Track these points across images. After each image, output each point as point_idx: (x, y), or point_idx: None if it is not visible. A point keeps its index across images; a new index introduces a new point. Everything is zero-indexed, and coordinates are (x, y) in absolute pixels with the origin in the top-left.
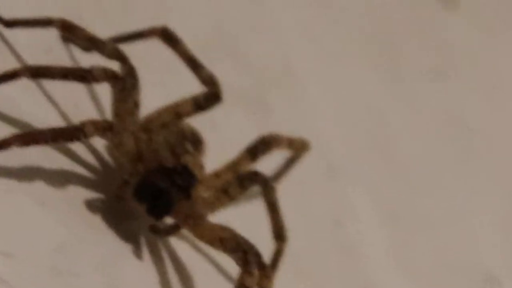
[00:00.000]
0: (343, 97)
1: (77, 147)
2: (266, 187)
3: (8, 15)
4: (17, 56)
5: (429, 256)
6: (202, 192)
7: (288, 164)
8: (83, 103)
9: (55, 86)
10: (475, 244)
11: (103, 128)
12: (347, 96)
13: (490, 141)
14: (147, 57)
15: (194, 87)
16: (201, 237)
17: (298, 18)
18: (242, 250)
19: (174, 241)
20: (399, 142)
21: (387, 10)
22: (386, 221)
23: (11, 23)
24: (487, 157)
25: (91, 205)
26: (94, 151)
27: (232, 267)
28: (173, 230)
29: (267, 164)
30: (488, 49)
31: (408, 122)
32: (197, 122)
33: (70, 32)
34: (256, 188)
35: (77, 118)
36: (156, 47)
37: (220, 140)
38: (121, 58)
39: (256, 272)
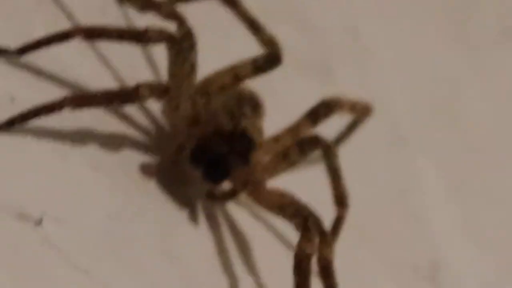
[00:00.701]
0: (411, 63)
1: (132, 110)
2: (328, 151)
3: None
4: (70, 17)
5: (497, 228)
6: (261, 157)
7: (351, 128)
8: (138, 65)
9: (109, 48)
10: None
11: (158, 91)
12: (416, 63)
13: None
14: (205, 18)
15: (253, 50)
16: (260, 202)
17: None
18: (302, 216)
19: (232, 207)
20: (469, 111)
21: None
22: (453, 192)
23: None
24: None
25: (146, 170)
26: (149, 115)
27: (292, 233)
28: (231, 195)
29: (329, 129)
30: None
31: (479, 91)
32: (257, 86)
33: None
34: (317, 153)
35: (132, 80)
36: (215, 8)
37: (281, 105)
38: (178, 18)
39: (316, 238)
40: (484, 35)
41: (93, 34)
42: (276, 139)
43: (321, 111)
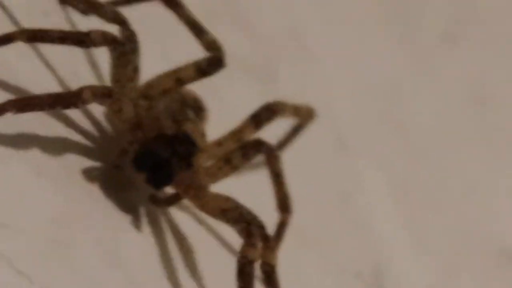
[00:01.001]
0: (354, 66)
1: (75, 114)
2: (271, 156)
3: None
4: (13, 19)
5: (441, 230)
6: (204, 161)
7: (294, 132)
8: (81, 69)
9: (52, 51)
10: (489, 217)
11: (101, 94)
12: (359, 65)
13: (507, 111)
14: (148, 21)
15: (196, 53)
16: (203, 207)
17: None
18: (245, 221)
19: (175, 212)
20: (412, 115)
21: None
22: (397, 195)
23: None
24: (504, 129)
25: (89, 175)
26: (92, 118)
27: (235, 239)
28: (174, 200)
29: (271, 133)
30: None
31: (422, 95)
32: (200, 90)
33: None
34: (260, 157)
35: (75, 84)
36: (157, 11)
37: (224, 109)
38: (121, 21)
39: (259, 244)
40: (426, 40)
41: (35, 37)
42: (219, 143)
43: (264, 114)
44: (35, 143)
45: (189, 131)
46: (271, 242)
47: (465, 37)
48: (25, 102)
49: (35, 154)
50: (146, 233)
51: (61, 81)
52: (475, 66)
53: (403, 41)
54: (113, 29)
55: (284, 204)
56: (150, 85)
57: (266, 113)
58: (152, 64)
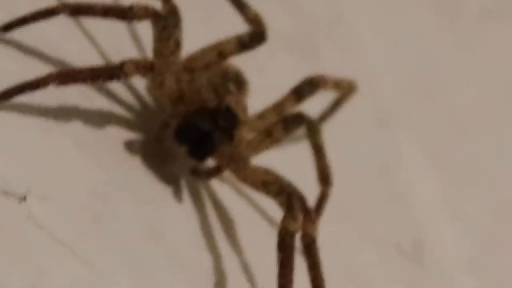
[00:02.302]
0: (395, 41)
1: (117, 87)
2: (312, 129)
3: None
4: None
5: (481, 204)
6: (246, 134)
7: (335, 105)
8: (123, 42)
9: (94, 24)
10: None
11: (143, 67)
12: (399, 41)
13: None
14: None
15: (238, 28)
16: (244, 180)
17: None
18: (285, 194)
19: (216, 184)
20: (451, 89)
21: None
22: (437, 168)
23: None
24: None
25: (130, 147)
26: (134, 91)
27: (276, 211)
28: (215, 172)
29: (313, 106)
30: None
31: (462, 69)
32: (243, 65)
33: None
34: (301, 130)
35: (117, 57)
36: None
37: (266, 83)
38: None
39: (300, 216)
40: (465, 15)
41: (78, 10)
42: (261, 116)
43: (305, 88)
44: (77, 116)
45: (231, 104)
46: (311, 214)
47: (508, 14)
48: (67, 75)
49: (76, 127)
50: (187, 205)
51: (103, 55)
52: None
53: (442, 16)
54: (156, 3)
55: (324, 177)
56: (192, 58)
57: (308, 86)
58: (194, 38)
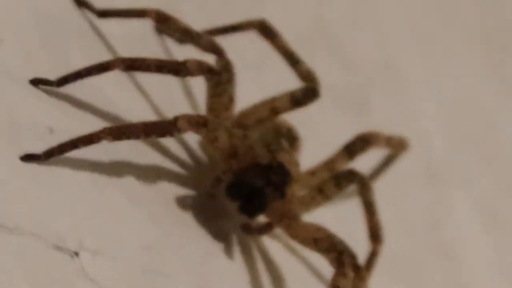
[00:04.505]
0: (447, 96)
1: (170, 142)
2: (363, 186)
3: (102, 5)
4: (110, 48)
5: None
6: (297, 191)
7: (387, 163)
8: (176, 98)
9: (148, 79)
10: None
11: (197, 123)
12: (451, 95)
13: None
14: (244, 51)
15: (291, 83)
16: (295, 236)
17: (401, 14)
18: (336, 251)
19: (267, 241)
20: (505, 144)
21: (496, 8)
22: (489, 227)
23: (104, 13)
24: None
25: (182, 203)
26: (187, 147)
27: (326, 268)
28: (266, 229)
29: (364, 163)
30: None
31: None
32: (294, 119)
33: (165, 23)
34: (352, 187)
35: (170, 113)
36: (254, 41)
37: (318, 138)
38: (217, 51)
39: (350, 273)
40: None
41: (132, 65)
42: (312, 172)
43: (357, 145)
44: (130, 171)
45: (283, 160)
46: (362, 272)
47: None
48: (121, 130)
49: (129, 182)
50: (238, 262)
51: (156, 110)
52: None
53: (495, 67)
54: (209, 58)
55: (375, 234)
56: (245, 114)
57: (360, 143)
58: (247, 94)
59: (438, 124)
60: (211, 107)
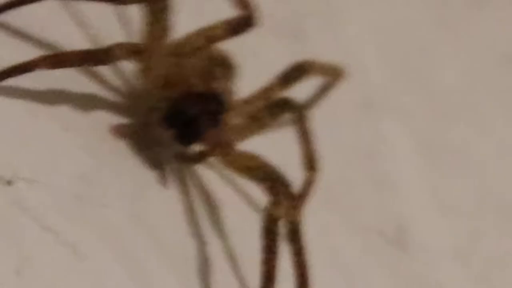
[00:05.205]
0: (385, 25)
1: (105, 70)
2: (299, 114)
3: None
4: None
5: (466, 191)
6: (232, 119)
7: (322, 91)
8: (112, 26)
9: (83, 8)
10: None
11: (132, 51)
12: (390, 25)
13: None
14: None
15: (227, 12)
16: (230, 165)
17: None
18: (271, 179)
19: (202, 170)
20: (440, 75)
21: None
22: (423, 155)
23: None
24: None
25: (117, 131)
26: (122, 76)
27: (260, 196)
28: (201, 157)
29: (300, 92)
30: None
31: (451, 55)
32: (231, 48)
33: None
34: (288, 116)
35: (105, 41)
36: None
37: (254, 67)
38: None
39: (284, 202)
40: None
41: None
42: (248, 101)
43: (293, 73)
44: (65, 100)
45: (218, 89)
46: (296, 200)
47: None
48: (57, 58)
49: (64, 110)
50: (173, 191)
51: (92, 39)
52: (504, 24)
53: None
54: None
55: (310, 163)
56: (180, 43)
57: (295, 72)
58: (183, 23)
59: (375, 53)
60: (146, 36)
